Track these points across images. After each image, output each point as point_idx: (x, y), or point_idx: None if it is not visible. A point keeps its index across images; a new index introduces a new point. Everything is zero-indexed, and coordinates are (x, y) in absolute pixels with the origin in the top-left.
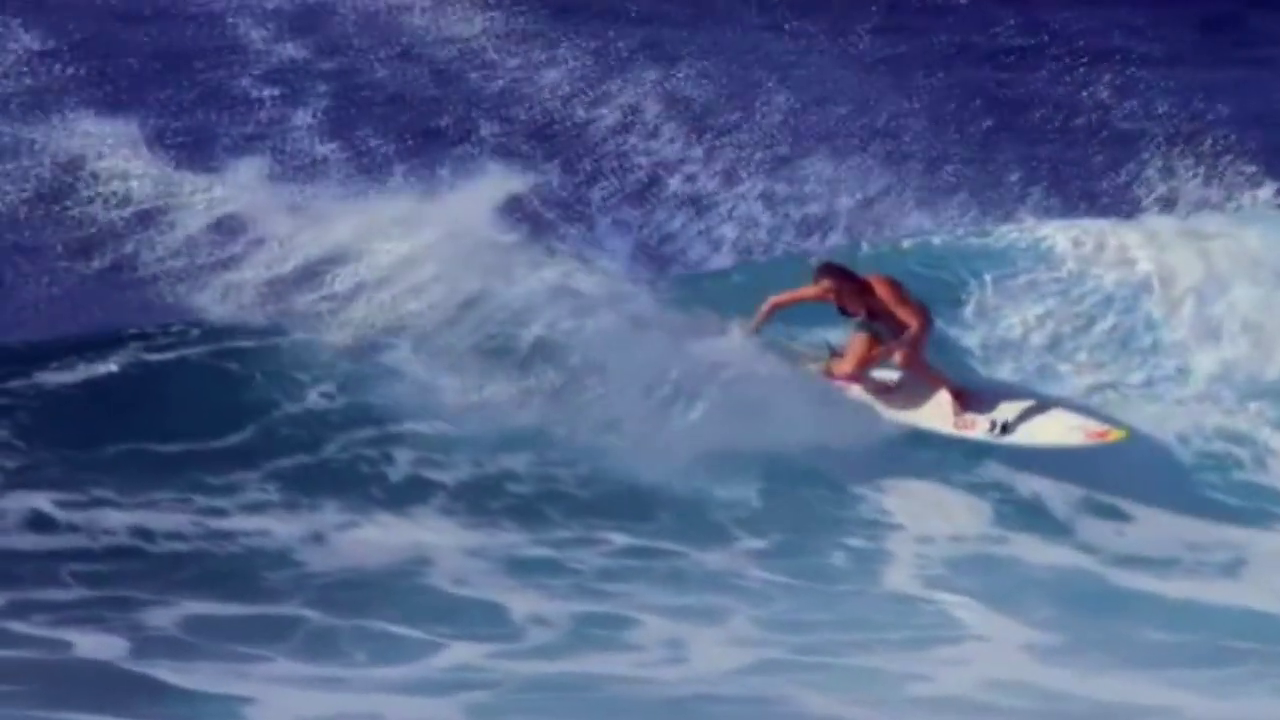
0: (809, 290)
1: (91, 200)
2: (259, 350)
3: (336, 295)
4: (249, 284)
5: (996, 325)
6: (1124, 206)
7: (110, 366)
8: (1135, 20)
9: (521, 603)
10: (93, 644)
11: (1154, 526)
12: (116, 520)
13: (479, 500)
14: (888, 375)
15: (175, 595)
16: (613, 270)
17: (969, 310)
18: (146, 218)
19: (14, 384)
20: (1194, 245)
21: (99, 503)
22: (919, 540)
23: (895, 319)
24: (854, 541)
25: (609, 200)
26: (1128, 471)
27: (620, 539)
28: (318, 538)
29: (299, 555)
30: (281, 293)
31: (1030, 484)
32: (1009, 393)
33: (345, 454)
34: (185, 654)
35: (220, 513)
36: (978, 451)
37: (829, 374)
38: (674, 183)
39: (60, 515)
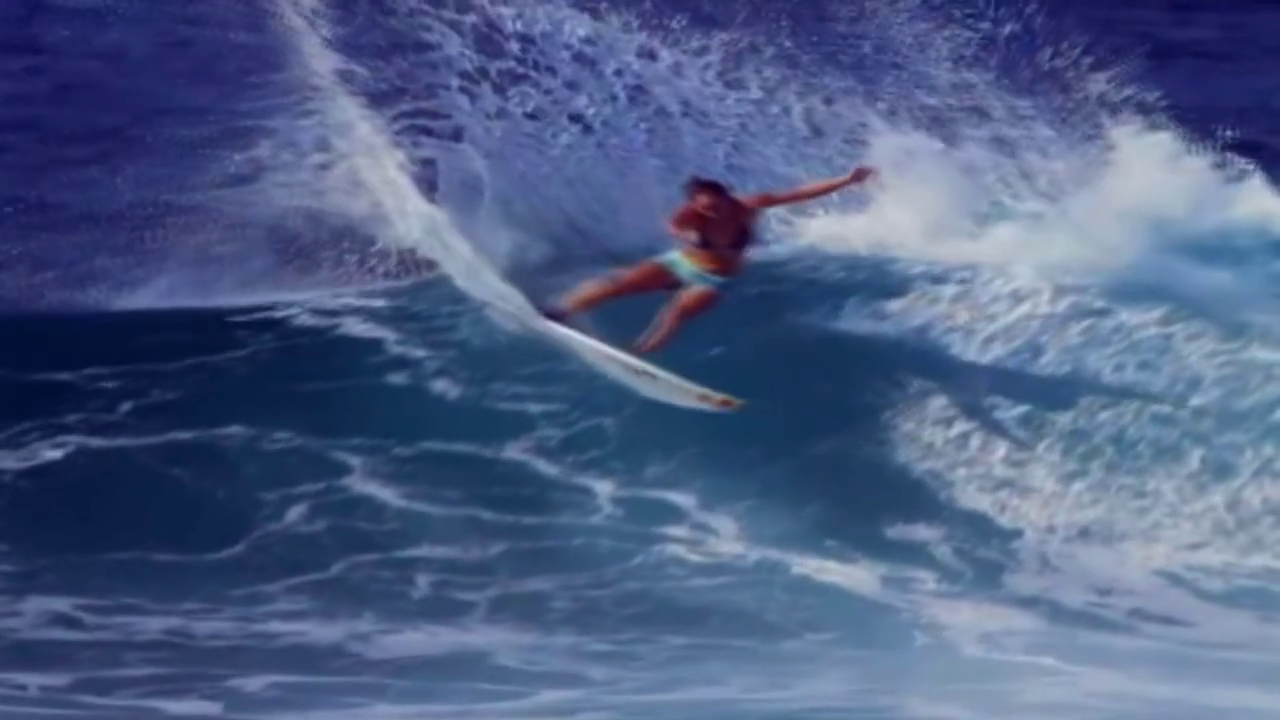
0: (686, 210)
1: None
2: (198, 446)
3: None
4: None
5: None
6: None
7: (54, 454)
8: None
9: (603, 673)
10: (186, 708)
11: (1214, 629)
12: (150, 624)
13: (523, 613)
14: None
15: (250, 673)
16: None
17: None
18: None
19: None
20: None
21: (126, 609)
22: (982, 636)
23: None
24: (919, 635)
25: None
26: (1169, 596)
27: (679, 640)
28: (364, 638)
29: (353, 649)
30: None
31: (1072, 598)
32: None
33: (356, 574)
34: (286, 707)
35: (257, 619)
36: (996, 574)
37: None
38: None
39: (88, 618)
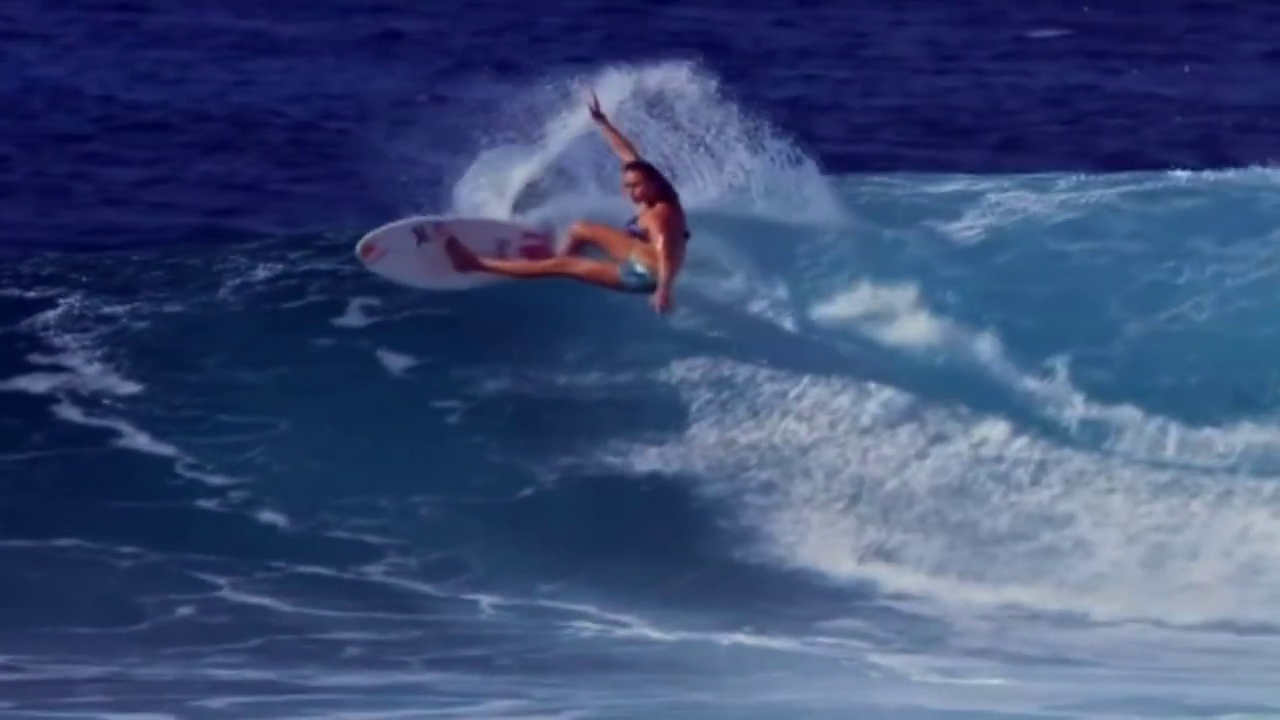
0: (620, 149)
1: None
2: (44, 554)
3: None
4: None
5: None
6: None
7: None
8: None
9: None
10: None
11: (1184, 662)
12: (90, 669)
13: (476, 661)
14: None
15: (205, 697)
16: None
17: None
18: None
19: None
20: None
21: (60, 661)
22: (936, 669)
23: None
24: (875, 674)
25: None
26: (1129, 649)
27: (635, 677)
28: (308, 677)
29: (298, 683)
30: None
31: (1029, 651)
32: None
33: (279, 646)
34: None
35: (197, 667)
36: (940, 639)
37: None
38: None
39: (27, 665)
